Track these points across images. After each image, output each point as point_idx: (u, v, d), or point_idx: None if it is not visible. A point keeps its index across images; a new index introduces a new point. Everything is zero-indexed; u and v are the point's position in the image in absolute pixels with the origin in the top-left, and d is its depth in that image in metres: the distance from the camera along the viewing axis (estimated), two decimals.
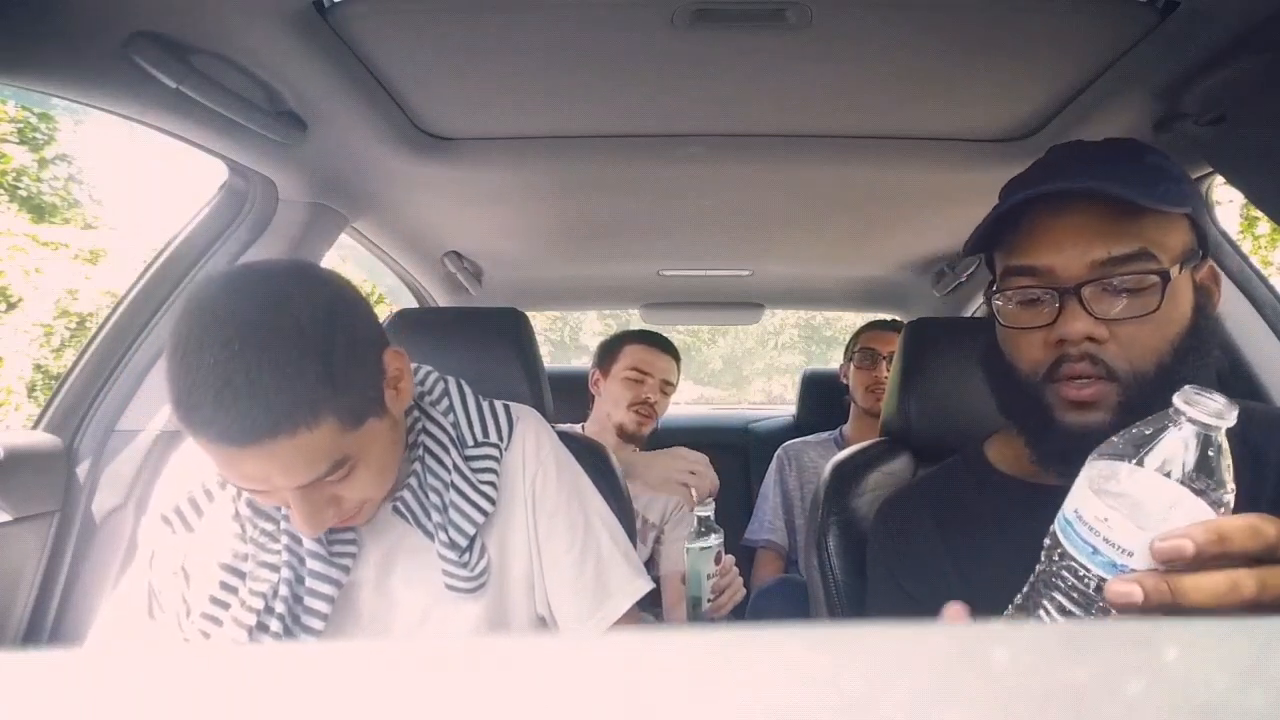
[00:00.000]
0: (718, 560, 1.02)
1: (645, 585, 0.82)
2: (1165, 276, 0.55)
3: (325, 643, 0.16)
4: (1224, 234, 1.16)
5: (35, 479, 1.04)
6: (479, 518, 0.73)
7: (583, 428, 1.61)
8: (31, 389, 6.30)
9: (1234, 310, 1.15)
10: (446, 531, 0.71)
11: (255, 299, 0.58)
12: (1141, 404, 0.54)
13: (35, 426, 1.10)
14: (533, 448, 0.80)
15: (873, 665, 0.13)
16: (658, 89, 0.96)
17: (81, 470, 1.11)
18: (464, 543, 0.71)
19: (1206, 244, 0.61)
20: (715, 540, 1.01)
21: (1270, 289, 1.14)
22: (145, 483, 1.12)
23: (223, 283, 0.59)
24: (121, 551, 1.10)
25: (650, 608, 1.02)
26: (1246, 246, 4.25)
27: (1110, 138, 0.64)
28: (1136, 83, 0.88)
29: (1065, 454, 0.44)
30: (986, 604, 0.66)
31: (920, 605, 0.69)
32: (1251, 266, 1.16)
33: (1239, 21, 0.74)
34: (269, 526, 0.69)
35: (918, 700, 0.12)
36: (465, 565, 0.71)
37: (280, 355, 0.55)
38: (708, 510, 1.02)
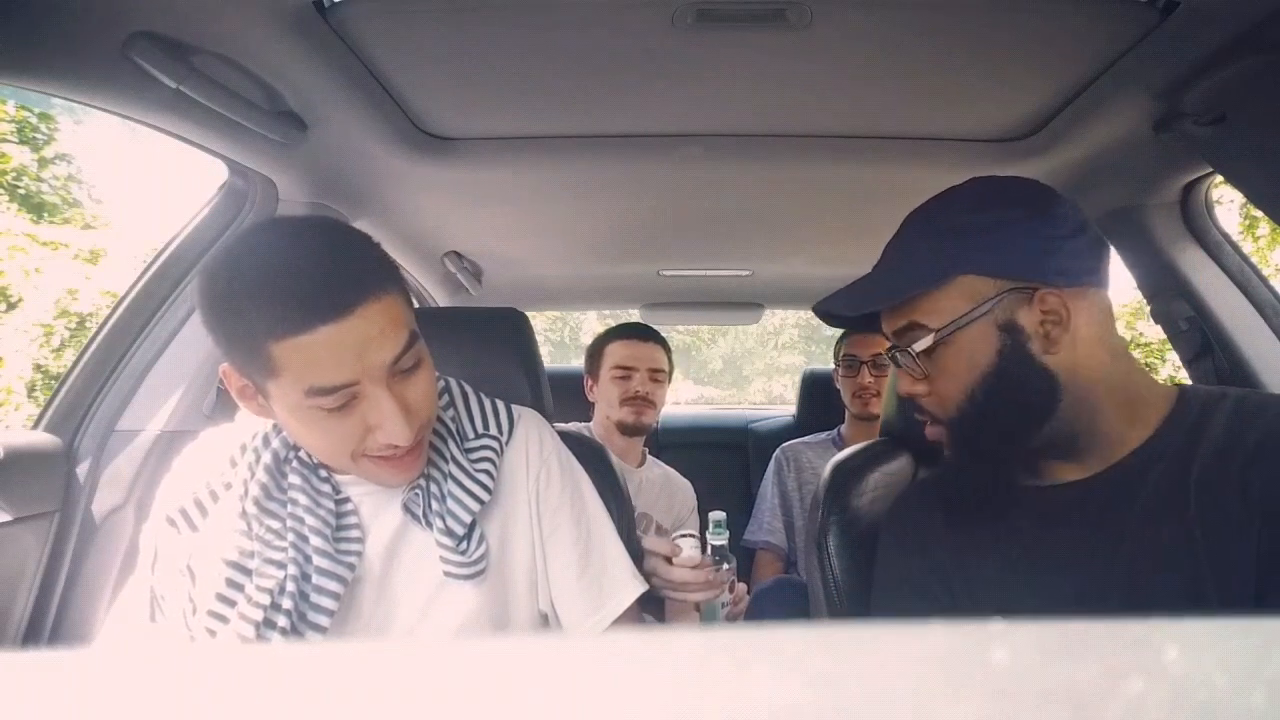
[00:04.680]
0: (731, 589, 1.04)
1: (645, 583, 0.83)
2: (903, 352, 0.66)
3: (325, 642, 0.16)
4: (1224, 234, 1.16)
5: (35, 479, 1.04)
6: (474, 505, 0.73)
7: (589, 429, 1.61)
8: (31, 389, 6.30)
9: (1234, 310, 1.15)
10: (444, 519, 0.72)
11: (288, 223, 0.65)
12: (967, 438, 0.66)
13: (35, 426, 1.10)
14: (535, 447, 0.81)
15: (873, 665, 0.13)
16: (658, 89, 0.96)
17: (81, 470, 1.11)
18: (460, 531, 0.72)
19: (1026, 283, 0.61)
20: (728, 569, 1.03)
21: (1270, 289, 1.14)
22: (145, 483, 1.12)
23: (246, 232, 0.64)
24: (121, 551, 1.10)
25: (650, 608, 1.03)
26: (1247, 247, 4.25)
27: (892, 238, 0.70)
28: (1136, 83, 0.88)
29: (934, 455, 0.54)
30: (991, 601, 0.66)
31: (932, 606, 0.70)
32: (1251, 266, 1.16)
33: (1239, 21, 0.74)
34: (275, 524, 0.70)
35: (918, 700, 0.12)
36: (462, 552, 0.72)
37: (334, 240, 0.63)
38: (721, 539, 1.03)
